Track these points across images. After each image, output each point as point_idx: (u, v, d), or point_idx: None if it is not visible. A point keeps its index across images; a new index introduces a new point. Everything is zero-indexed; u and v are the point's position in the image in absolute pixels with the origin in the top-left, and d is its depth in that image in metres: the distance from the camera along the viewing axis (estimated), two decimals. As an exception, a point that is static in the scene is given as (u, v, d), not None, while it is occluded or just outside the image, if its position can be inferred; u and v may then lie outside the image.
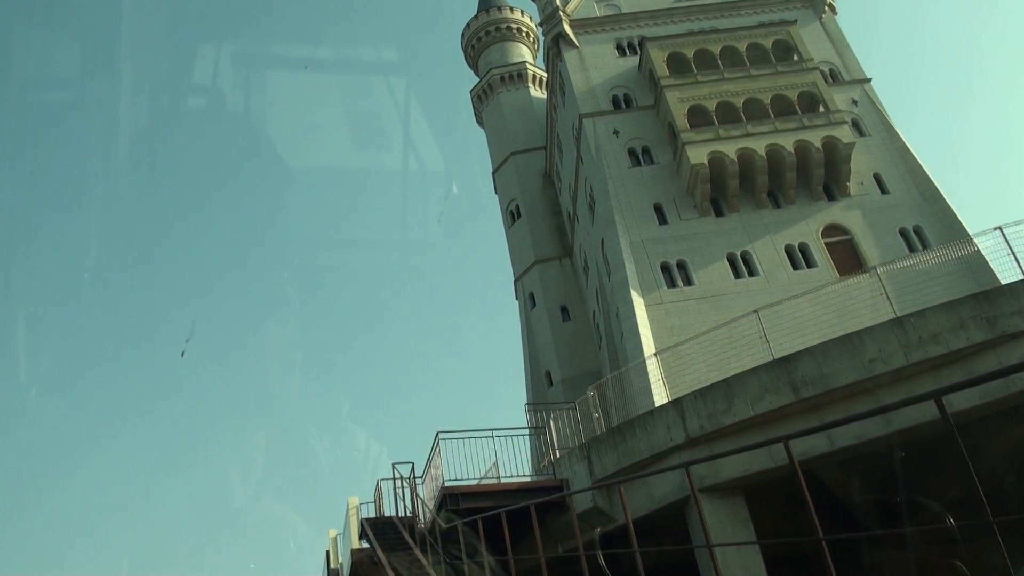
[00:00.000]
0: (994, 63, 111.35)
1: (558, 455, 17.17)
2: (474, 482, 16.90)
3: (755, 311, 18.18)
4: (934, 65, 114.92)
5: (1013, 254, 18.43)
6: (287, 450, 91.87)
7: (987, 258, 30.59)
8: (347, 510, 18.29)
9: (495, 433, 16.38)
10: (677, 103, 39.63)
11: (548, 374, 47.12)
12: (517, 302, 52.70)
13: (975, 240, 31.67)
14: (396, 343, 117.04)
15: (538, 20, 47.79)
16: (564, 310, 48.78)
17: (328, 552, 26.40)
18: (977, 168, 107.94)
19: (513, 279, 52.95)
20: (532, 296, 50.24)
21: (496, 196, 56.89)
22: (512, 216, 53.96)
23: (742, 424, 14.19)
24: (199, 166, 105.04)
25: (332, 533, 26.28)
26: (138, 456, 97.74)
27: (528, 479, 16.91)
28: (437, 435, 16.34)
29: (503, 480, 16.36)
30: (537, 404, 22.25)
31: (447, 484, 15.87)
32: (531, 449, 18.06)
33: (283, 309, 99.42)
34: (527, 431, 18.15)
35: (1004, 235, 19.07)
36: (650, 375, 31.31)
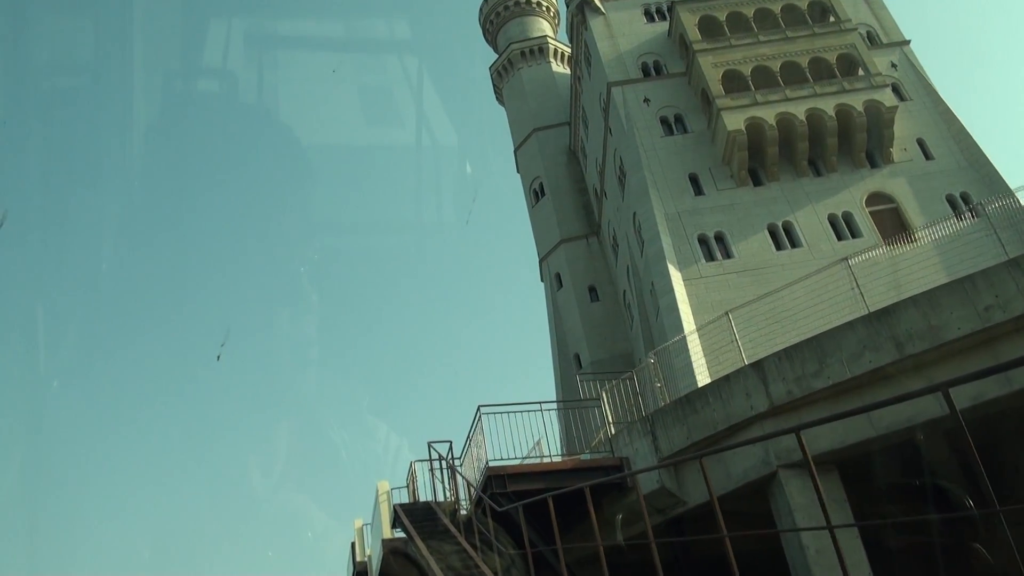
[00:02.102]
0: None
1: (613, 431, 15.31)
2: (518, 462, 15.10)
3: (844, 259, 16.23)
4: (971, 24, 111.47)
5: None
6: (307, 442, 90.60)
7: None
8: (376, 496, 16.50)
9: (543, 407, 14.53)
10: (711, 68, 37.62)
11: (577, 357, 45.26)
12: (543, 284, 50.79)
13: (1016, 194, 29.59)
14: (416, 330, 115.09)
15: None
16: (592, 290, 46.87)
17: (353, 544, 24.61)
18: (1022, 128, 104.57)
19: (538, 259, 51.03)
20: (558, 276, 48.34)
21: (519, 175, 54.95)
22: (536, 195, 52.04)
23: (837, 388, 12.30)
24: (213, 152, 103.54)
25: (358, 523, 24.47)
26: (158, 447, 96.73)
27: (580, 458, 15.04)
28: (479, 409, 14.52)
29: (553, 459, 14.53)
30: (586, 374, 20.40)
31: (491, 464, 14.03)
32: (576, 427, 16.19)
33: (300, 297, 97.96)
34: (577, 404, 16.39)
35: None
36: (691, 353, 29.54)
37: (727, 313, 15.61)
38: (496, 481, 13.77)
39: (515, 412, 14.60)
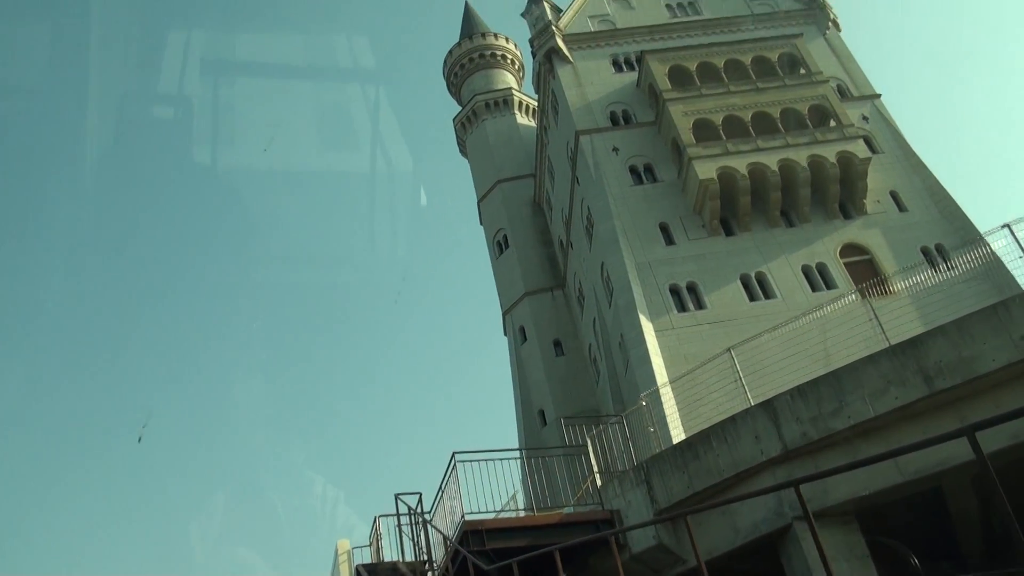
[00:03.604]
0: (999, 71, 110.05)
1: (599, 481, 13.80)
2: (493, 515, 13.51)
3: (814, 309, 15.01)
4: (942, 76, 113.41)
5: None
6: (246, 500, 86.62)
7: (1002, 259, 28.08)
8: (335, 557, 14.76)
9: (525, 453, 13.00)
10: (681, 117, 36.97)
11: (541, 413, 43.68)
12: (506, 337, 49.33)
13: (987, 240, 29.06)
14: (363, 381, 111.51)
15: (528, 37, 45.18)
16: (557, 344, 45.52)
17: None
18: (996, 181, 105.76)
19: (501, 313, 49.64)
20: (522, 330, 46.96)
21: (482, 227, 53.83)
22: (499, 247, 50.88)
23: (859, 428, 10.98)
24: (160, 183, 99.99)
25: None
26: (92, 506, 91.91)
27: (564, 512, 13.49)
28: (453, 457, 12.94)
29: (538, 513, 12.93)
30: (570, 419, 18.92)
31: (468, 518, 12.42)
32: (560, 477, 14.63)
33: (238, 343, 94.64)
34: (561, 451, 14.91)
35: (1012, 231, 16.56)
36: (665, 406, 28.15)
37: (729, 350, 14.30)
38: (473, 537, 12.16)
39: (493, 460, 13.06)
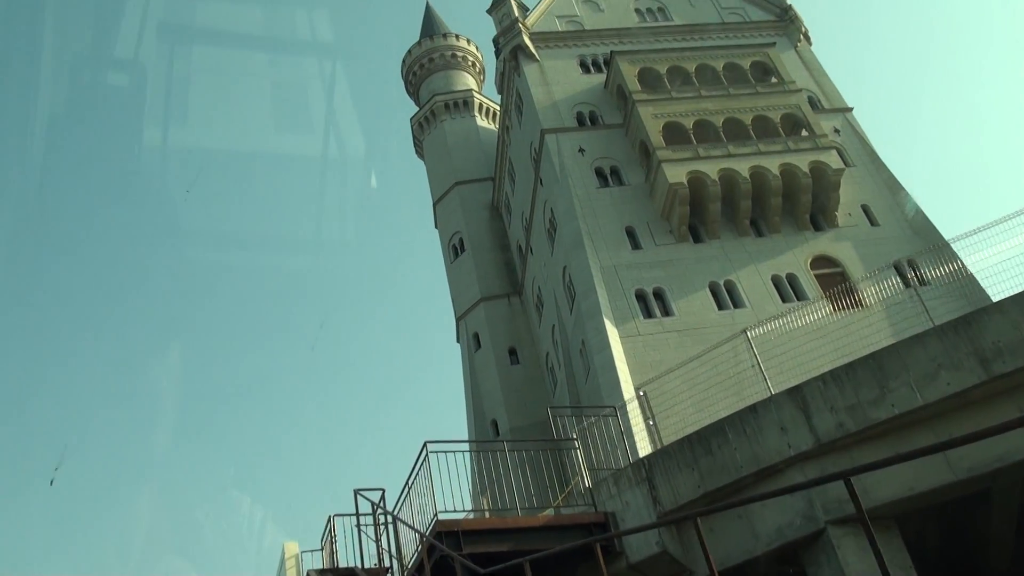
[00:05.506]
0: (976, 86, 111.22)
1: (589, 481, 12.15)
2: (466, 515, 11.82)
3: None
4: (912, 92, 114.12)
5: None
6: (167, 517, 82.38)
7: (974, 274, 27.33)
8: (282, 561, 12.86)
9: (507, 446, 11.32)
10: (651, 119, 35.78)
11: (494, 423, 41.92)
12: (459, 344, 47.53)
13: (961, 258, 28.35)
14: (301, 385, 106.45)
15: (491, 37, 43.75)
16: (512, 352, 43.87)
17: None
18: (968, 195, 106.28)
19: (455, 318, 47.84)
20: (477, 337, 45.21)
21: (436, 230, 52.08)
22: (455, 250, 49.16)
23: (904, 419, 9.51)
24: (111, 155, 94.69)
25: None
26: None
27: (546, 513, 11.82)
28: (425, 447, 11.19)
29: (522, 514, 11.22)
30: (558, 408, 17.16)
31: (442, 518, 10.68)
32: (546, 473, 12.91)
33: (160, 346, 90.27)
34: (549, 444, 13.27)
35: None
36: (631, 416, 26.68)
37: (745, 331, 12.78)
38: (448, 540, 10.41)
39: (469, 452, 11.36)
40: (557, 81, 40.32)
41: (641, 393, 13.70)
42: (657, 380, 18.84)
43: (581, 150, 37.21)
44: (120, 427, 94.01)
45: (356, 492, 12.09)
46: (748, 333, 12.63)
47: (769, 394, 10.77)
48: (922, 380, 9.50)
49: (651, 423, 12.90)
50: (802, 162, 34.52)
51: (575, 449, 12.19)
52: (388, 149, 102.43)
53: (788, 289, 32.61)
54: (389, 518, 11.85)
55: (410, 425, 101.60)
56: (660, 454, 11.24)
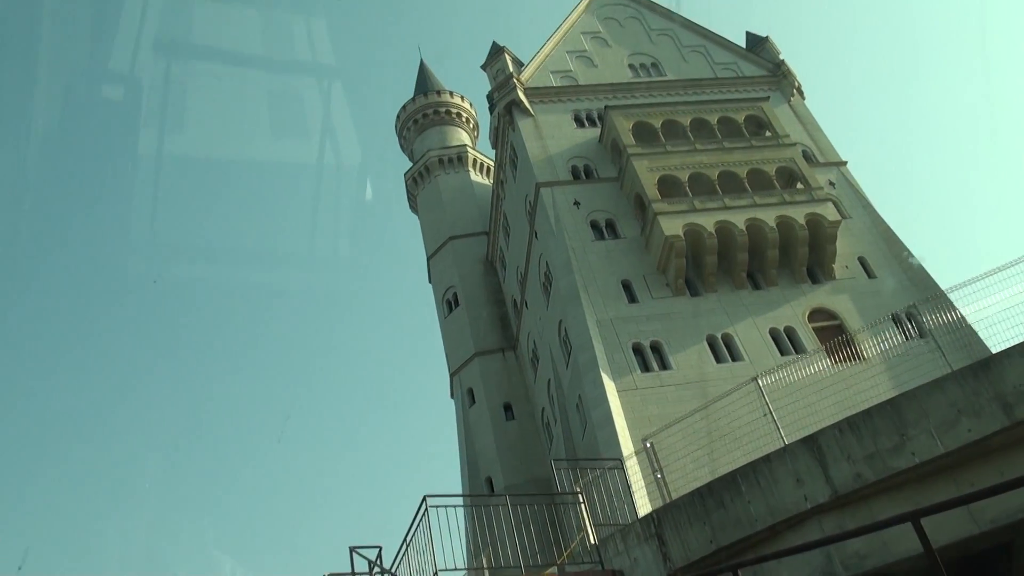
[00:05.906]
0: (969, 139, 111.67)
1: (593, 537, 11.64)
2: (465, 573, 11.25)
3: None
4: (906, 145, 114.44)
5: None
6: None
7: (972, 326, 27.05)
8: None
9: (510, 500, 10.84)
10: (646, 172, 35.77)
11: (489, 480, 41.17)
12: (453, 400, 46.91)
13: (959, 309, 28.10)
14: (290, 444, 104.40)
15: (485, 93, 43.97)
16: (507, 408, 43.29)
17: None
18: (966, 246, 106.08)
19: (449, 374, 47.29)
20: (471, 392, 44.64)
21: (430, 285, 51.79)
22: (449, 305, 48.82)
23: (925, 468, 9.08)
24: (105, 168, 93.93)
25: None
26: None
27: (550, 571, 11.28)
28: (424, 501, 10.71)
29: (526, 572, 10.69)
30: (561, 461, 16.62)
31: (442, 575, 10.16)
32: (550, 527, 12.41)
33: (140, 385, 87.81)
34: (550, 498, 12.78)
35: None
36: (629, 471, 26.12)
37: (755, 379, 12.37)
38: (448, 598, 9.90)
39: (464, 508, 10.85)
40: (552, 135, 40.40)
41: (648, 444, 13.22)
42: (661, 432, 18.46)
43: (576, 203, 37.10)
44: (97, 464, 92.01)
45: (352, 550, 11.55)
46: (759, 381, 12.20)
47: (782, 444, 10.34)
48: (942, 427, 9.10)
49: (659, 476, 12.42)
50: (798, 214, 34.45)
51: (578, 504, 11.69)
52: (384, 211, 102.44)
53: (786, 342, 32.26)
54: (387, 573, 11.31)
55: (404, 482, 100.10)
56: (670, 508, 10.77)
